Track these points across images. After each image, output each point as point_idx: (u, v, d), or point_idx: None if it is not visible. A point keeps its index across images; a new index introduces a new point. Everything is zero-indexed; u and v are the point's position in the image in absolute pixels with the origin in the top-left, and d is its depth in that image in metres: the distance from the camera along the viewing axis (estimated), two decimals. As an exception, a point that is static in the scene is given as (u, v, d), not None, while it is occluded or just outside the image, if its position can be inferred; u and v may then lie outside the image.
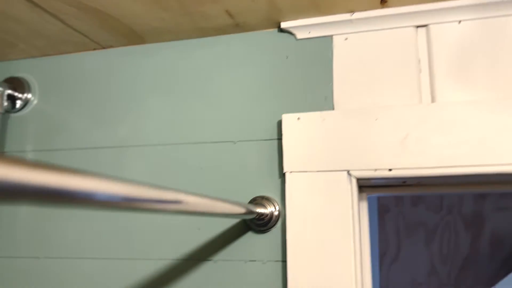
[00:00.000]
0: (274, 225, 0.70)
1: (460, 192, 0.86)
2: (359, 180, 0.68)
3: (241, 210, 0.57)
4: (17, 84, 0.86)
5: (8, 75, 0.87)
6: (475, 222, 1.89)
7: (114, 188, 0.28)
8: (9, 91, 0.84)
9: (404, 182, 0.69)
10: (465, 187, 0.71)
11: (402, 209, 1.97)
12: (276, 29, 0.77)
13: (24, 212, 0.82)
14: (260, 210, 0.67)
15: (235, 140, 0.75)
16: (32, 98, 0.87)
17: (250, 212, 0.62)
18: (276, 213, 0.70)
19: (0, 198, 0.20)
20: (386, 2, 0.69)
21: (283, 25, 0.75)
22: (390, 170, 0.65)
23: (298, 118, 0.69)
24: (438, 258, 1.92)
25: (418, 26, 0.71)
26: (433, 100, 0.69)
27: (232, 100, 0.77)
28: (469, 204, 1.90)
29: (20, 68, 0.88)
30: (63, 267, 0.78)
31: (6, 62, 0.88)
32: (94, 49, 0.84)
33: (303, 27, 0.75)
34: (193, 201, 0.42)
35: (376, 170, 0.65)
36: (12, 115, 0.86)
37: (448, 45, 0.70)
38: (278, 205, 0.70)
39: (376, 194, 0.75)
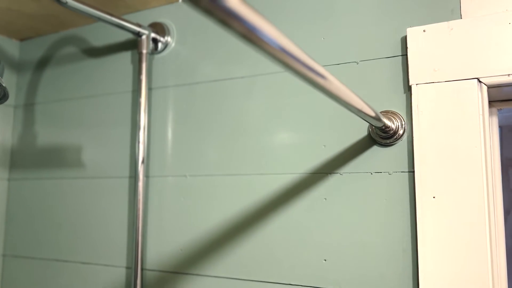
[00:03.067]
0: (400, 138, 0.73)
1: None
2: (489, 88, 0.67)
3: (371, 112, 0.61)
4: (159, 28, 0.98)
5: (151, 20, 1.00)
6: None
7: (275, 34, 0.33)
8: (153, 35, 0.97)
9: (541, 89, 0.67)
10: None
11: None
12: None
13: (171, 139, 0.95)
14: (386, 121, 0.69)
15: (357, 61, 0.78)
16: (171, 41, 0.98)
17: (378, 119, 0.65)
18: (401, 127, 0.72)
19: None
20: None
21: None
22: (525, 73, 0.63)
23: (424, 31, 0.70)
24: None
25: None
26: None
27: (353, 21, 0.79)
28: None
29: (161, 14, 1.00)
30: (205, 183, 0.89)
31: (150, 9, 1.01)
32: (223, -11, 0.92)
33: None
34: (335, 82, 0.46)
35: (509, 75, 0.64)
36: (156, 55, 0.99)
37: None
38: (403, 119, 0.73)
39: (506, 107, 0.73)
